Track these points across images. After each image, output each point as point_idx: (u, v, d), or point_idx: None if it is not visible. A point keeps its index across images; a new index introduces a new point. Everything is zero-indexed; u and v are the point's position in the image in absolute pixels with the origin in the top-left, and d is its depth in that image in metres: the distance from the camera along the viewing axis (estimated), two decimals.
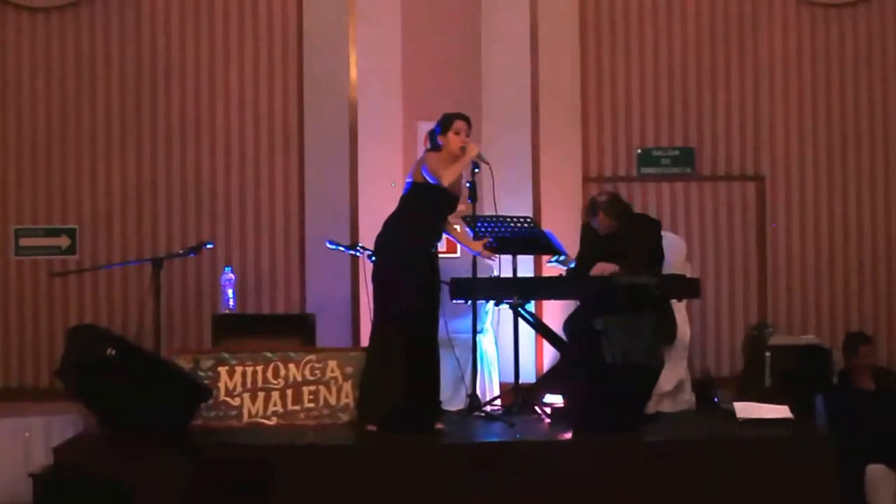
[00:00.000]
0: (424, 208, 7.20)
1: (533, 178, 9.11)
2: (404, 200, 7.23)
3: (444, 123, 7.28)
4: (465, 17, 9.16)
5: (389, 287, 7.13)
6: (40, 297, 9.11)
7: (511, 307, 7.69)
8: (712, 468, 6.62)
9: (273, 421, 7.29)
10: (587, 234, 8.01)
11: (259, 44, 9.25)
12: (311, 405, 7.34)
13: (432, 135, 7.31)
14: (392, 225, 7.25)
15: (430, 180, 7.12)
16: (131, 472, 6.33)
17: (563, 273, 8.07)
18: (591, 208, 7.94)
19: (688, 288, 7.81)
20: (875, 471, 7.51)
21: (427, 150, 7.30)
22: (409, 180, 7.25)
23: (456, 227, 7.63)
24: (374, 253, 7.39)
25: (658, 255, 7.84)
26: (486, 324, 8.65)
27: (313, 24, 9.20)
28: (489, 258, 7.65)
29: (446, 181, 7.12)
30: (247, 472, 6.49)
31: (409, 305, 7.05)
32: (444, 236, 7.69)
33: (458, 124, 7.27)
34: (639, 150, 9.34)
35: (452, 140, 7.26)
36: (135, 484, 6.28)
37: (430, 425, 7.08)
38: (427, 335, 7.15)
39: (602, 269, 7.61)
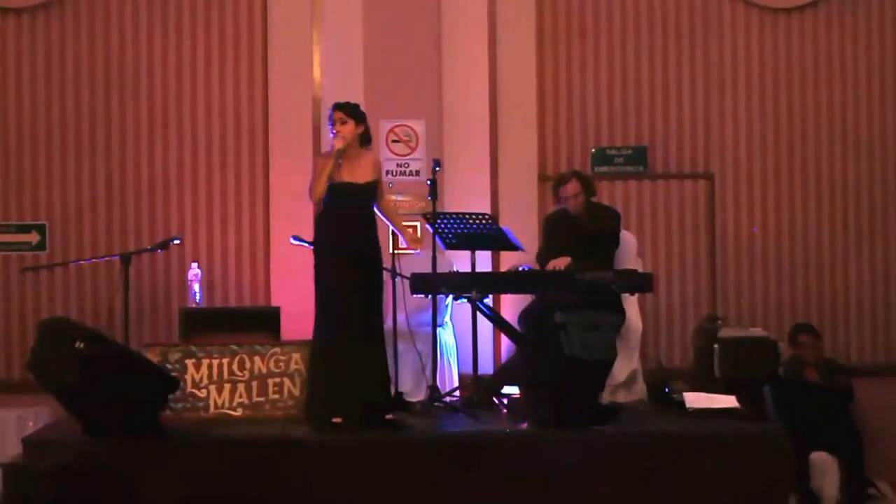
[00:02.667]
0: (333, 206, 7.22)
1: (491, 176, 9.19)
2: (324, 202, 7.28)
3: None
4: (426, 18, 9.22)
5: (315, 285, 7.24)
6: (11, 291, 9.13)
7: (469, 301, 7.78)
8: (671, 458, 6.75)
9: (239, 412, 7.40)
10: (555, 221, 8.03)
11: (225, 43, 9.30)
12: (276, 397, 7.45)
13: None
14: (315, 227, 7.39)
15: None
16: (100, 462, 6.51)
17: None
18: (559, 180, 7.93)
19: (641, 282, 7.86)
20: (819, 458, 7.76)
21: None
22: None
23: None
24: None
25: (615, 244, 7.98)
26: (446, 317, 8.77)
27: (278, 25, 9.26)
28: (414, 250, 7.74)
29: (312, 196, 7.20)
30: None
31: (325, 303, 7.13)
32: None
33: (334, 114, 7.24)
34: (593, 150, 9.39)
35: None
36: (103, 473, 6.46)
37: (380, 418, 7.09)
38: (355, 331, 7.07)
39: (555, 264, 7.63)
